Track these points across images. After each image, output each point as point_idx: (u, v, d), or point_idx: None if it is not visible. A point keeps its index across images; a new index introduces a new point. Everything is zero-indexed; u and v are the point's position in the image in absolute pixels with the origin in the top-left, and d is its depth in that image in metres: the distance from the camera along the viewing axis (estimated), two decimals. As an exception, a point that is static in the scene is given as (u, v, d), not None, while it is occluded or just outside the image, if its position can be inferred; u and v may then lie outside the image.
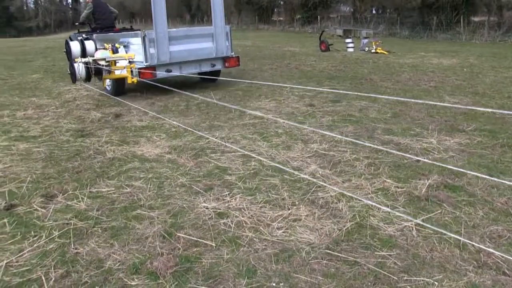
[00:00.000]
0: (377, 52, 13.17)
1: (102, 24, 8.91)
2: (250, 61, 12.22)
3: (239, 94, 7.41)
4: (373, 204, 3.11)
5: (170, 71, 7.37)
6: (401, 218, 2.91)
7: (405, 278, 2.33)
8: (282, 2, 34.88)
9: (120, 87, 7.54)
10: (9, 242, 2.82)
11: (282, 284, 2.32)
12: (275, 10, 35.93)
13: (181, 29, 8.76)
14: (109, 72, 6.54)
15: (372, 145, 4.25)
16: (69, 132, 5.39)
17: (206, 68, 7.79)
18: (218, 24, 7.70)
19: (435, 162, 3.78)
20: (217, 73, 8.32)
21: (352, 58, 12.25)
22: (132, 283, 2.34)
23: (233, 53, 8.11)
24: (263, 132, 5.05)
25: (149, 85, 7.67)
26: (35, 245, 2.76)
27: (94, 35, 7.79)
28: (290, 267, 2.46)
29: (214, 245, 2.69)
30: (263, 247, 2.66)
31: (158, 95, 7.45)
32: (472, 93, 7.02)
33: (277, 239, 2.73)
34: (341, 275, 2.36)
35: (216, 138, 4.81)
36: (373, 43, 13.76)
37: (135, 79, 6.46)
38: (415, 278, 2.32)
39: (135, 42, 7.21)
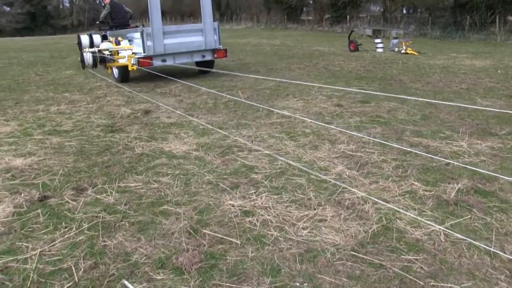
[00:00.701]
0: (407, 53, 12.96)
1: (118, 22, 9.96)
2: (278, 60, 12.21)
3: (266, 93, 7.42)
4: (401, 206, 3.07)
5: (165, 60, 8.57)
6: (428, 222, 2.86)
7: (431, 283, 2.29)
8: (311, 1, 34.68)
9: (125, 75, 8.76)
10: (43, 232, 2.91)
11: (306, 284, 2.31)
12: (304, 9, 35.73)
13: (173, 26, 10.55)
14: (113, 60, 8.11)
15: (400, 147, 4.19)
16: (100, 127, 5.51)
17: (197, 58, 9.06)
18: (207, 21, 8.90)
19: (466, 165, 3.70)
20: (211, 64, 9.53)
21: (381, 58, 12.08)
22: (158, 277, 2.38)
23: (220, 46, 9.31)
24: (290, 131, 5.04)
25: (178, 83, 7.82)
26: (65, 236, 2.84)
27: (108, 32, 9.33)
28: (314, 267, 2.45)
29: (239, 242, 2.71)
30: (288, 246, 2.66)
31: (186, 93, 7.54)
32: (506, 95, 6.82)
33: (302, 239, 2.73)
34: (366, 278, 2.35)
35: (243, 136, 4.84)
36: (403, 43, 13.53)
37: (134, 67, 7.94)
38: (442, 284, 2.28)
39: (137, 37, 8.47)
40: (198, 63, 9.31)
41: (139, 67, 8.03)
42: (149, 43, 8.23)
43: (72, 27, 54.36)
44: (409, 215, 2.97)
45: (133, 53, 8.13)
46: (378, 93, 5.42)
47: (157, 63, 8.42)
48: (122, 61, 8.13)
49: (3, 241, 2.81)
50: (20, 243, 2.77)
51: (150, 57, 8.27)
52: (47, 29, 49.46)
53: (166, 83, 8.53)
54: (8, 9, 51.21)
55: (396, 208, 3.06)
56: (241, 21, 37.47)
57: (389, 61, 11.47)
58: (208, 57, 9.19)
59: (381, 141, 4.36)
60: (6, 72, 11.36)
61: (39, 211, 3.20)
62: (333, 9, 29.25)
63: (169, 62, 8.66)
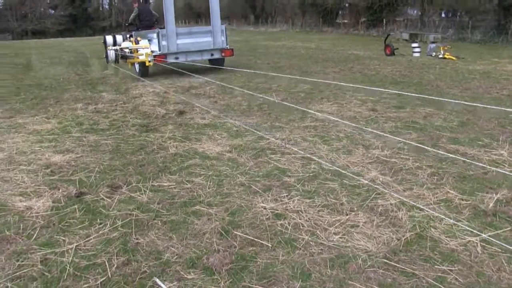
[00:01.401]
0: (445, 58, 12.64)
1: (145, 24, 10.99)
2: (313, 63, 12.16)
3: (301, 96, 7.39)
4: (436, 214, 3.00)
5: (177, 58, 9.79)
6: (464, 232, 2.78)
7: (467, 295, 2.23)
8: (347, 5, 34.35)
9: (145, 69, 10.00)
10: (79, 227, 3.00)
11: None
12: (340, 12, 35.42)
13: (185, 28, 11.52)
14: (132, 57, 9.50)
15: (436, 152, 4.10)
16: (135, 126, 5.63)
17: (207, 56, 10.29)
18: (215, 23, 10.10)
19: (507, 172, 3.58)
20: (221, 62, 10.56)
21: (418, 63, 11.84)
22: (188, 277, 2.41)
23: (227, 46, 10.42)
24: (324, 135, 5.01)
25: (212, 84, 7.91)
26: (100, 232, 2.91)
27: (133, 32, 10.65)
28: (345, 273, 2.42)
29: (270, 245, 2.71)
30: (319, 251, 2.64)
31: (220, 94, 7.60)
32: (550, 104, 6.57)
33: (334, 244, 2.70)
34: (397, 286, 2.30)
35: (276, 139, 4.83)
36: (441, 48, 13.20)
37: (151, 63, 9.43)
38: (478, 296, 2.22)
39: (155, 37, 9.66)
40: (210, 61, 10.58)
41: (155, 62, 9.54)
42: (163, 42, 9.50)
43: (111, 28, 55.74)
44: (444, 224, 2.90)
45: (151, 51, 9.52)
46: (413, 94, 5.32)
47: (171, 60, 9.67)
48: (140, 58, 9.37)
49: (43, 234, 2.91)
50: (58, 237, 2.87)
51: (165, 55, 9.59)
52: (87, 30, 50.89)
53: (201, 84, 8.63)
54: (52, 11, 53.07)
55: (430, 216, 2.99)
56: (276, 24, 37.45)
57: (426, 66, 11.22)
58: (216, 56, 10.33)
59: (417, 145, 4.28)
60: (48, 72, 11.78)
61: (75, 206, 3.30)
62: (369, 13, 28.85)
63: (182, 59, 9.80)
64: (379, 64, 11.76)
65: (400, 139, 4.64)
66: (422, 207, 3.13)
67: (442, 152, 4.17)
